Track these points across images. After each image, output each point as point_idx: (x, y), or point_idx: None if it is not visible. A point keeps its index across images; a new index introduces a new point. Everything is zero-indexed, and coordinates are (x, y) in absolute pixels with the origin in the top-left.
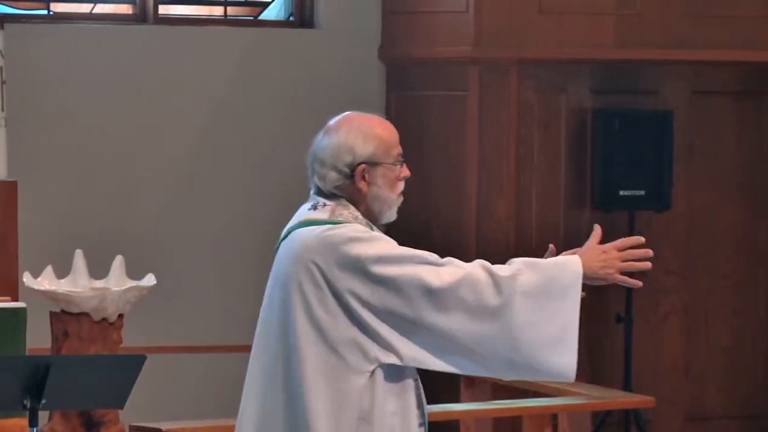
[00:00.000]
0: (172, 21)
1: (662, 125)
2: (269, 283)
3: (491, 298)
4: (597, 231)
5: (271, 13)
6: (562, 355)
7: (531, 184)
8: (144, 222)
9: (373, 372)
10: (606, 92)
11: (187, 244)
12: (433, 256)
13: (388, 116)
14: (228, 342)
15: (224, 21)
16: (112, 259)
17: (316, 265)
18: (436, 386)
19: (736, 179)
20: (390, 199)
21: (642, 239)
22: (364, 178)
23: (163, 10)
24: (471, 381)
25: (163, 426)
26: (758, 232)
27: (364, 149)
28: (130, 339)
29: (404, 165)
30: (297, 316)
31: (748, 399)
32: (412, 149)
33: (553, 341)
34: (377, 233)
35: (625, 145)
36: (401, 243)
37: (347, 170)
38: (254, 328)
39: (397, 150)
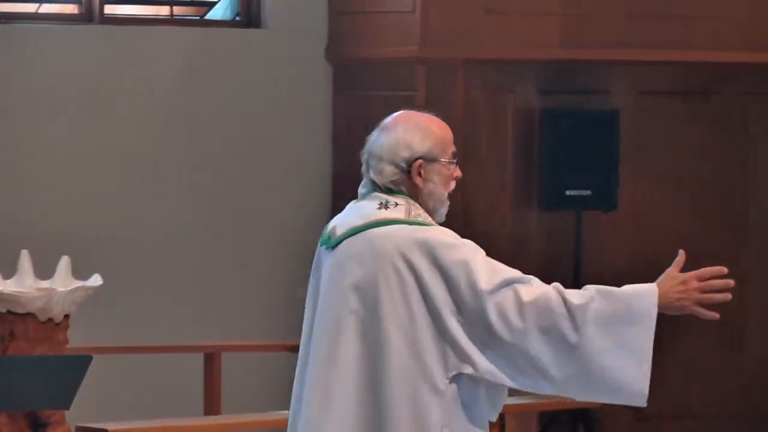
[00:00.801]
0: (118, 21)
1: (608, 125)
2: (327, 285)
3: (564, 324)
4: (681, 258)
5: (217, 13)
6: (635, 382)
7: (478, 183)
8: (91, 222)
9: (452, 380)
10: (552, 92)
11: (134, 244)
12: (518, 274)
13: (335, 116)
14: (175, 342)
15: (170, 21)
16: (58, 259)
17: (408, 264)
18: None
19: (683, 179)
20: (443, 196)
21: (725, 270)
22: (420, 173)
23: (109, 9)
24: None
25: (109, 426)
26: (705, 232)
27: (422, 145)
28: (77, 340)
29: (457, 165)
30: (384, 320)
31: (695, 399)
32: (359, 149)
33: (627, 368)
34: (469, 241)
35: (571, 145)
36: None
37: (404, 165)
38: (200, 329)
39: (452, 149)
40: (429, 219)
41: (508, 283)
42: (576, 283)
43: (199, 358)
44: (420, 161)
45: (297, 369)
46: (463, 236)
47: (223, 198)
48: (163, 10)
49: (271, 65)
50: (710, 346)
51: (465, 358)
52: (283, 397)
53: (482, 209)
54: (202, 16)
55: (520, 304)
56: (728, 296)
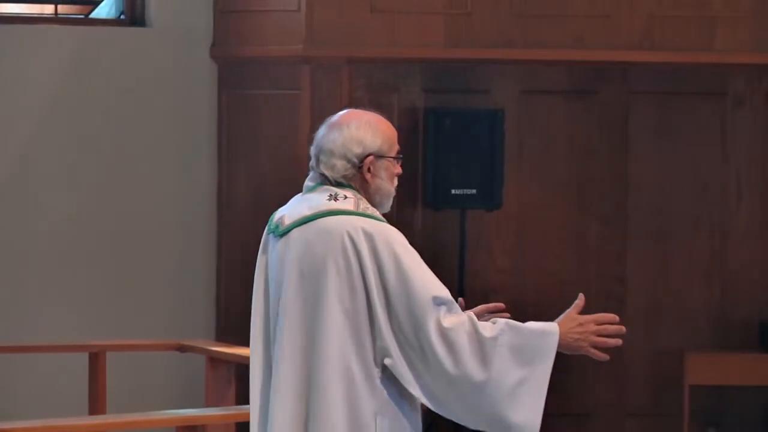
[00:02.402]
0: (2, 19)
1: (493, 124)
2: (276, 269)
3: (473, 355)
4: (580, 301)
5: (102, 12)
6: (528, 417)
7: None
8: None
9: (384, 368)
10: (437, 91)
11: (20, 241)
12: (447, 295)
13: (220, 115)
14: (60, 342)
15: (55, 19)
16: None
17: (355, 250)
18: None
19: (566, 178)
20: (389, 191)
21: (617, 318)
22: (369, 169)
23: None
24: None
25: None
26: (588, 231)
27: (374, 142)
28: None
29: (399, 163)
30: (329, 302)
31: (577, 397)
32: (244, 148)
33: (521, 403)
34: (412, 248)
35: (456, 144)
36: (231, 244)
37: (356, 161)
38: (85, 328)
39: (397, 147)
40: (377, 213)
41: (438, 302)
42: (460, 282)
43: (84, 357)
44: (371, 157)
45: (251, 354)
46: None
47: (108, 197)
48: (48, 9)
49: (156, 64)
50: None
51: (387, 353)
52: (168, 397)
53: None
54: (86, 15)
55: (442, 329)
56: (619, 342)
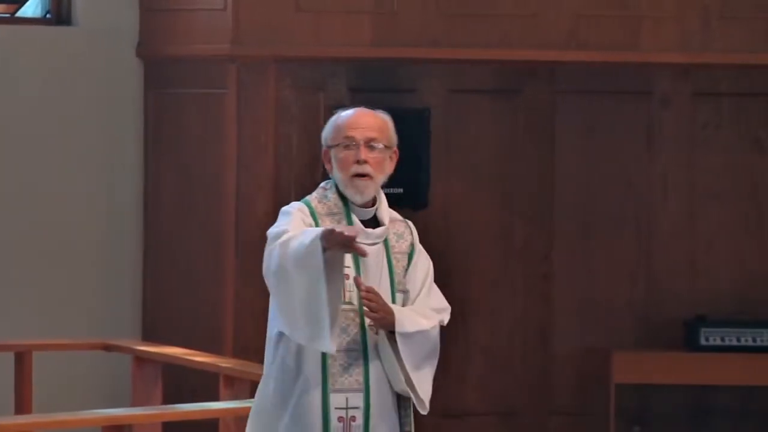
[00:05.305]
0: None
1: (419, 123)
2: None
3: (273, 262)
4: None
5: (28, 10)
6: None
7: (290, 181)
8: None
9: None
10: (363, 90)
11: None
12: (281, 229)
13: (146, 114)
14: None
15: None
16: None
17: None
18: (195, 384)
19: (492, 177)
20: (342, 179)
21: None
22: (329, 161)
23: None
24: (230, 379)
25: None
26: (514, 230)
27: (325, 137)
28: None
29: (360, 148)
30: None
31: (503, 396)
32: (170, 147)
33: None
34: (295, 211)
35: None
36: (158, 243)
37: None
38: (11, 327)
39: (346, 133)
40: (315, 196)
41: (273, 237)
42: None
43: (10, 357)
44: (325, 149)
45: None
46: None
47: (33, 196)
48: None
49: (82, 63)
50: (517, 343)
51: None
52: (94, 397)
53: None
54: (12, 14)
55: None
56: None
